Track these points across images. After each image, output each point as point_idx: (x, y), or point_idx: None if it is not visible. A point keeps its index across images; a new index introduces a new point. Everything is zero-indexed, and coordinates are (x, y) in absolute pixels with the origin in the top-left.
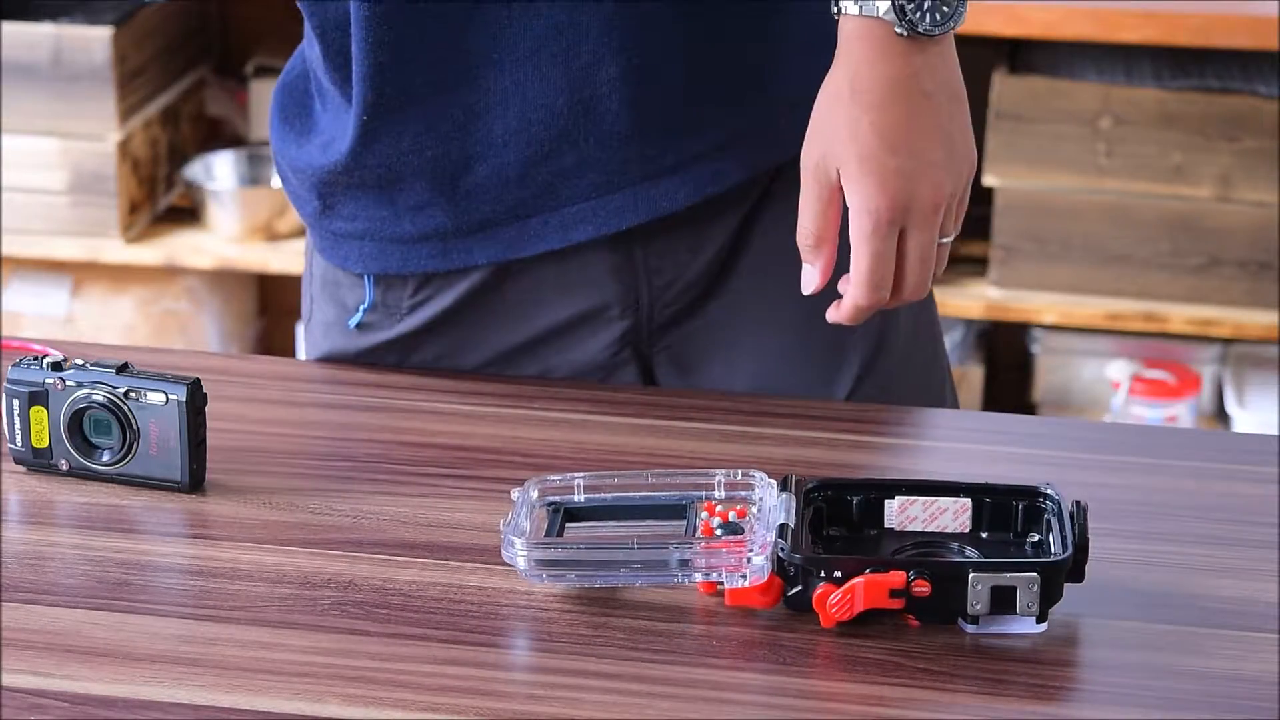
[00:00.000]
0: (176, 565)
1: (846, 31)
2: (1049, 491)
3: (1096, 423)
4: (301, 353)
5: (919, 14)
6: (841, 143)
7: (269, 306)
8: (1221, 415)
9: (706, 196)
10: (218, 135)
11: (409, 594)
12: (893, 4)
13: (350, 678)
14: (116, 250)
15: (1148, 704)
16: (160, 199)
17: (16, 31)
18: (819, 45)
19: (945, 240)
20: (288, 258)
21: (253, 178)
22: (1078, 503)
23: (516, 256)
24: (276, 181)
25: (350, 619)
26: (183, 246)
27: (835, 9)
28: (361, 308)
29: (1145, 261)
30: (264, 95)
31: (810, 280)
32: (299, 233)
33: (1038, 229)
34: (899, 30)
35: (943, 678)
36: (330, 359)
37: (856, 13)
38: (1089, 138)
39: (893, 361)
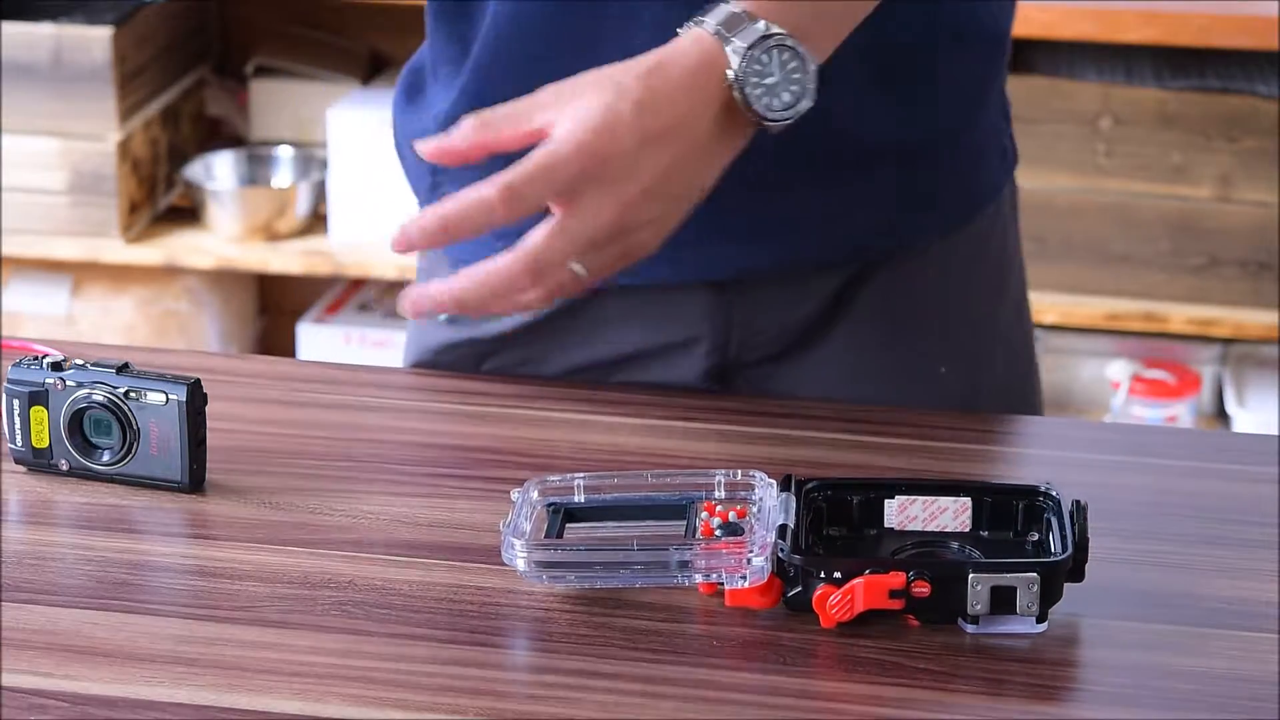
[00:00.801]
0: (176, 565)
1: (684, 41)
2: (1049, 491)
3: (1096, 423)
4: (301, 352)
5: (761, 90)
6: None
7: (269, 306)
8: (1221, 415)
9: (812, 262)
10: (218, 135)
11: (409, 594)
12: (740, 56)
13: (350, 678)
14: (116, 250)
15: (1148, 704)
16: (160, 199)
17: (16, 31)
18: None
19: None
20: (288, 258)
21: (253, 178)
22: (1078, 502)
23: (616, 281)
24: (276, 181)
25: (350, 619)
26: (183, 246)
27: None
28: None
29: (1145, 261)
30: (264, 95)
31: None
32: (299, 233)
33: (1037, 229)
34: (731, 86)
35: (943, 678)
36: (418, 356)
37: (707, 32)
38: (1089, 138)
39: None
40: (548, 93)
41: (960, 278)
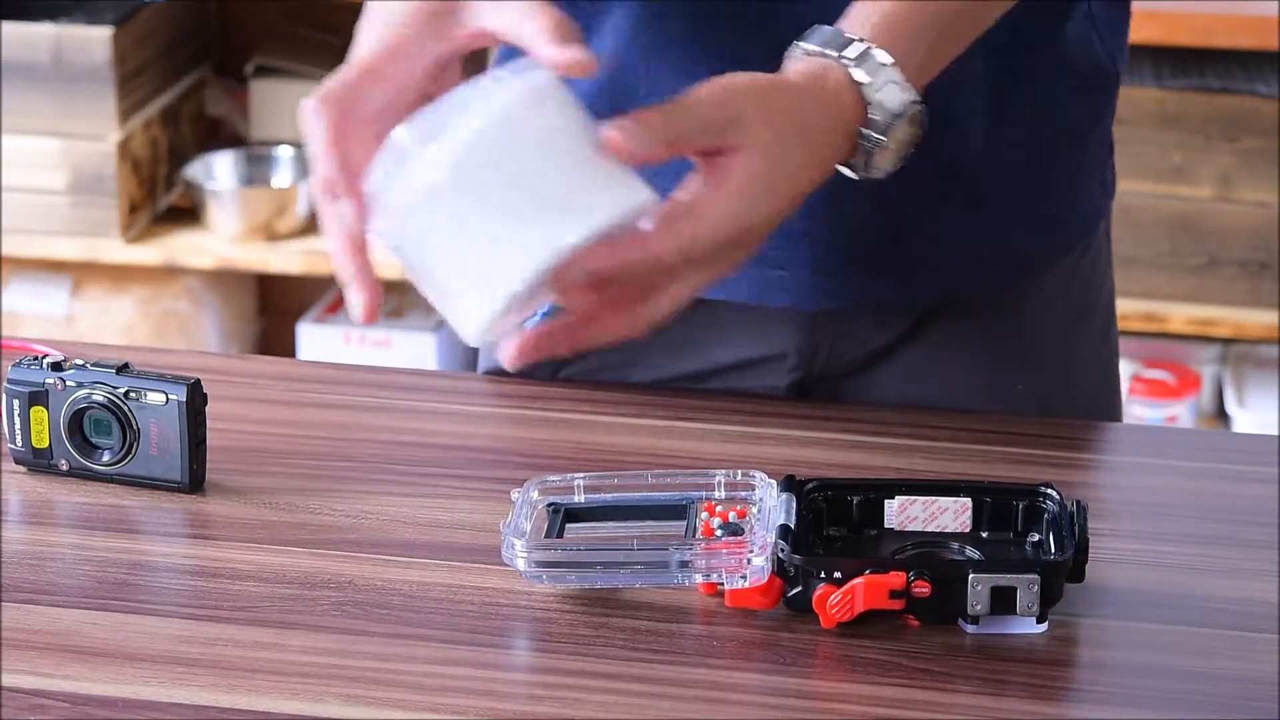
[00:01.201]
0: (176, 565)
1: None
2: (1049, 491)
3: (1096, 423)
4: (301, 352)
5: (885, 155)
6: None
7: (269, 306)
8: (1221, 415)
9: (909, 297)
10: (218, 135)
11: (409, 594)
12: (886, 145)
13: (350, 678)
14: (116, 250)
15: (1148, 704)
16: (160, 199)
17: (16, 31)
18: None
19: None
20: (288, 258)
21: (252, 178)
22: (1078, 502)
23: (705, 295)
24: (276, 181)
25: (350, 619)
26: (183, 246)
27: (810, 48)
28: (540, 311)
29: (1145, 261)
30: (264, 95)
31: None
32: (299, 233)
33: None
34: (860, 146)
35: (943, 678)
36: (494, 363)
37: (838, 69)
38: None
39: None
40: (744, 132)
41: (1046, 300)
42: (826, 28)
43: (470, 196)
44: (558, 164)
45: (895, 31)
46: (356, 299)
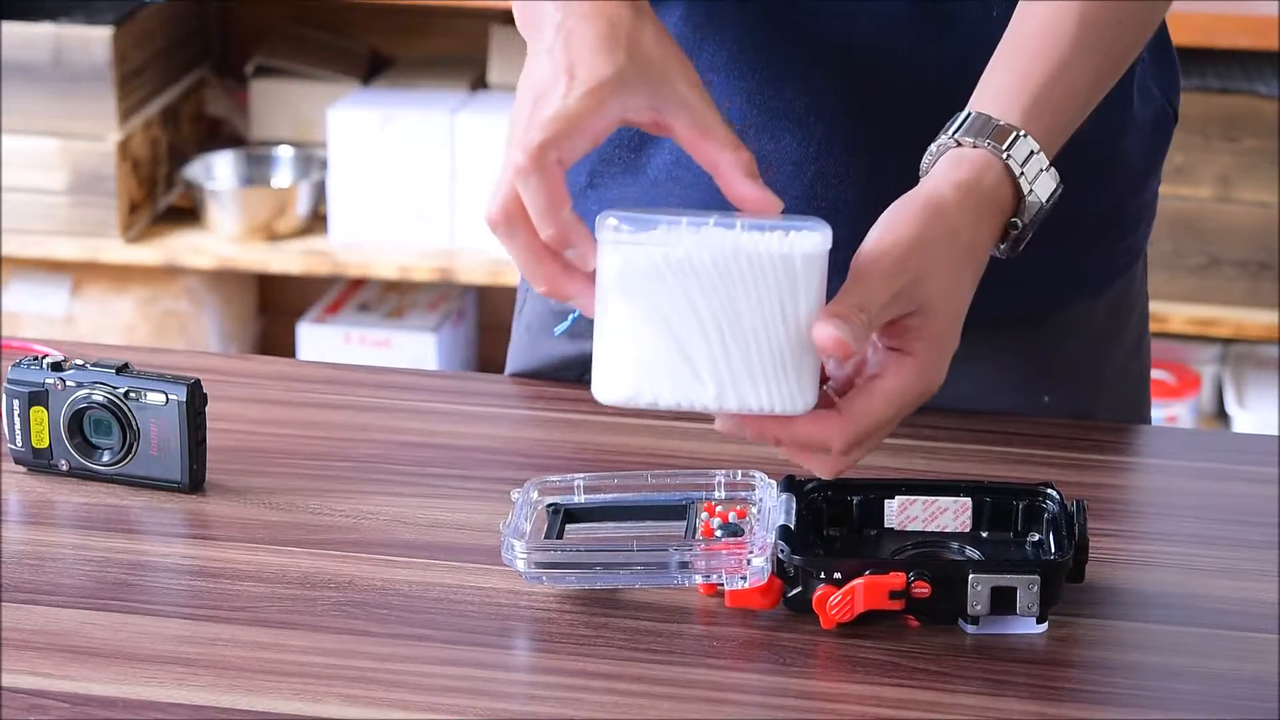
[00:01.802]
0: (176, 565)
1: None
2: (1049, 491)
3: (1097, 423)
4: (301, 352)
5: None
6: (952, 297)
7: (269, 306)
8: (1221, 415)
9: None
10: (218, 135)
11: (409, 594)
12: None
13: (350, 678)
14: (116, 250)
15: (1148, 704)
16: (160, 199)
17: (16, 31)
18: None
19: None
20: (288, 258)
21: (252, 178)
22: (1078, 502)
23: None
24: (276, 181)
25: (350, 619)
26: (183, 246)
27: (960, 137)
28: (572, 316)
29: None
30: (264, 95)
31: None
32: (299, 233)
33: None
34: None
35: (943, 678)
36: (522, 367)
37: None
38: None
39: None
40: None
41: (1077, 317)
42: (976, 115)
43: (703, 295)
44: (777, 325)
45: (1043, 114)
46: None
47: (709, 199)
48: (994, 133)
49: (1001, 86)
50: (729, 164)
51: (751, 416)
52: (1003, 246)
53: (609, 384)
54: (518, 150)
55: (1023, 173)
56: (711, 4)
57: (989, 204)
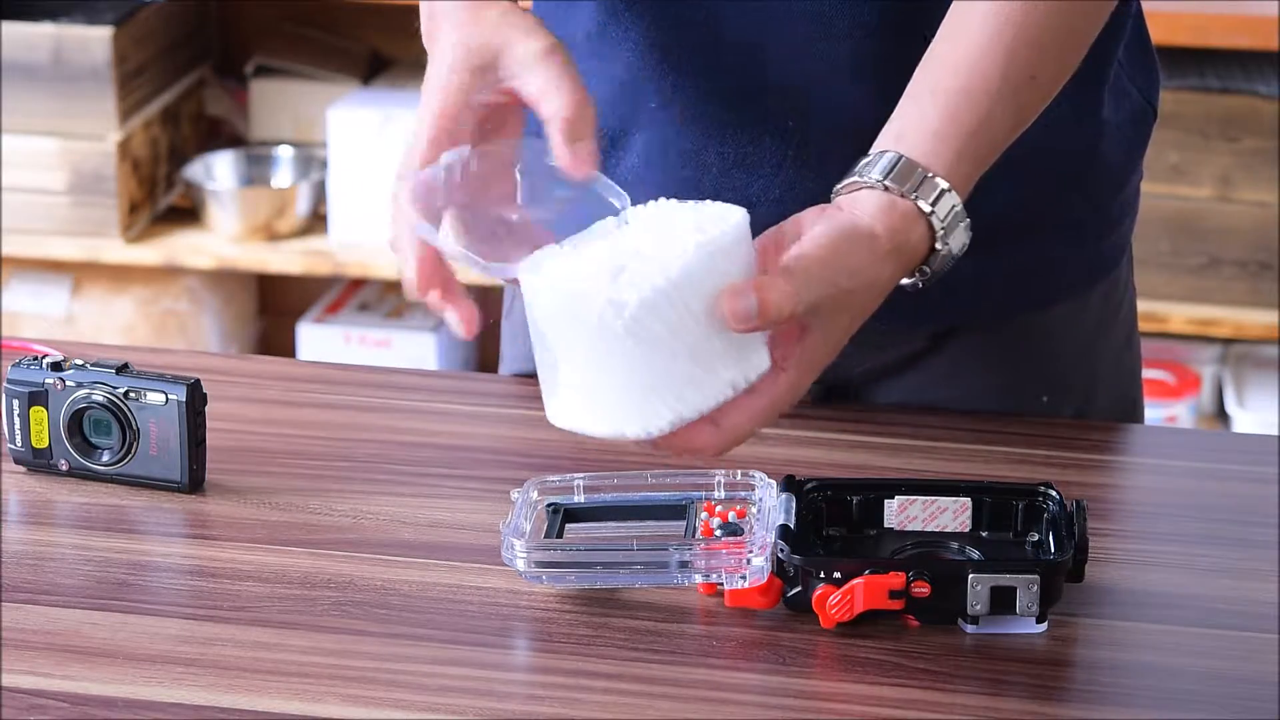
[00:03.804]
0: (176, 565)
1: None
2: (1049, 491)
3: (1097, 423)
4: (301, 352)
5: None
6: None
7: (269, 306)
8: (1221, 415)
9: (934, 323)
10: (218, 135)
11: (409, 594)
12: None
13: (350, 678)
14: (116, 250)
15: (1148, 704)
16: (160, 199)
17: (16, 31)
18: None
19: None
20: (288, 258)
21: (252, 178)
22: (1078, 502)
23: None
24: (276, 181)
25: (350, 619)
26: (183, 246)
27: (869, 178)
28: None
29: (1145, 261)
30: (264, 95)
31: None
32: (299, 233)
33: None
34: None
35: (943, 678)
36: (520, 368)
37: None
38: None
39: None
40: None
41: (1068, 315)
42: (905, 162)
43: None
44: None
45: (967, 162)
46: (452, 317)
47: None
48: (921, 185)
49: (928, 126)
50: (550, 114)
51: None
52: (905, 282)
53: (554, 412)
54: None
55: (943, 229)
56: (681, 10)
57: (909, 257)
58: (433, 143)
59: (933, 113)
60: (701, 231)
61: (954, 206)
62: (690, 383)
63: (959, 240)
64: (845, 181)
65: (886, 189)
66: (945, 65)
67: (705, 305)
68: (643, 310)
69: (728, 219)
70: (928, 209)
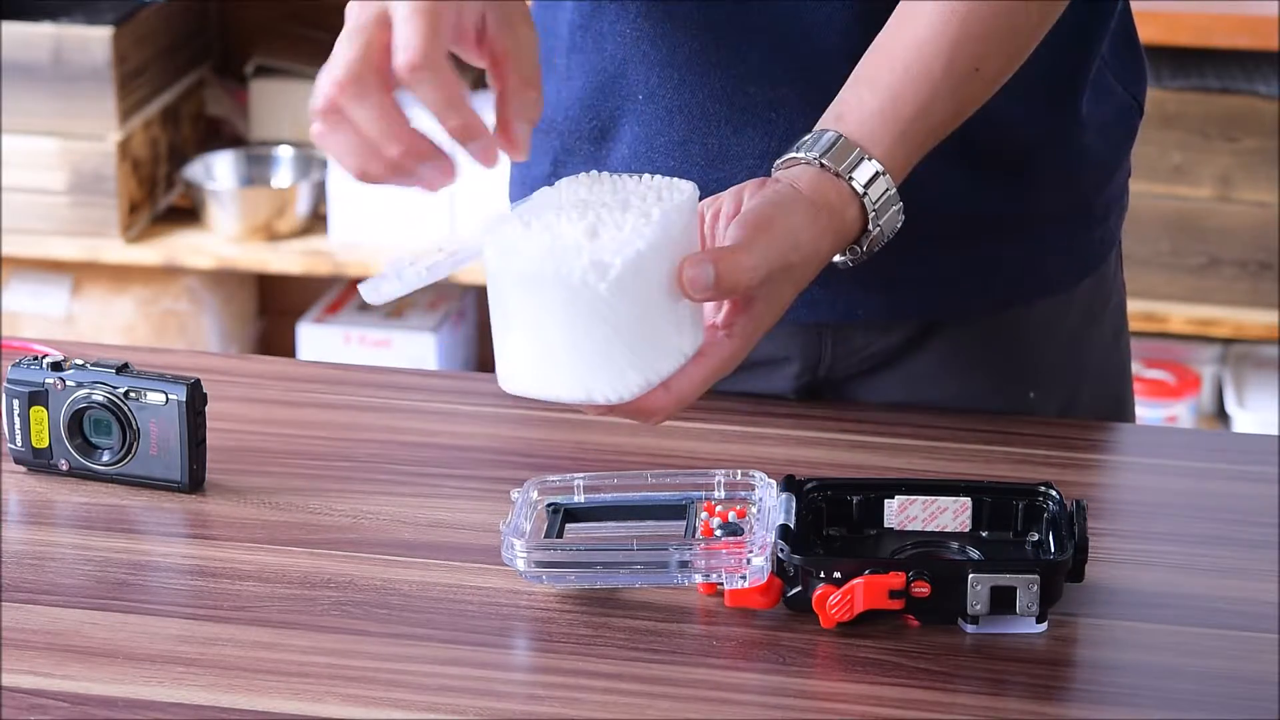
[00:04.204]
0: (176, 565)
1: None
2: (1049, 491)
3: (1097, 423)
4: (301, 352)
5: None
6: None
7: (269, 306)
8: (1221, 415)
9: (917, 315)
10: (218, 135)
11: (409, 594)
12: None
13: (350, 678)
14: (116, 250)
15: (1148, 704)
16: (160, 199)
17: (16, 31)
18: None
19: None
20: (288, 258)
21: (253, 178)
22: (1078, 502)
23: None
24: (276, 181)
25: (350, 619)
26: (183, 246)
27: (809, 156)
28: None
29: (1145, 261)
30: (264, 95)
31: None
32: (299, 233)
33: None
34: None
35: (943, 678)
36: None
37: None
38: None
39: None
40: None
41: (1053, 310)
42: (844, 142)
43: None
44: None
45: (905, 148)
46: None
47: None
48: (857, 166)
49: (867, 108)
50: (513, 100)
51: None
52: (837, 259)
53: (509, 376)
54: (403, 54)
55: (874, 210)
56: (673, 2)
57: (844, 235)
58: (433, 35)
59: (872, 98)
60: (663, 200)
61: (887, 190)
62: (655, 347)
63: (890, 223)
64: (785, 157)
65: (823, 166)
66: (888, 54)
67: (670, 271)
68: (627, 272)
69: (682, 188)
70: (861, 190)
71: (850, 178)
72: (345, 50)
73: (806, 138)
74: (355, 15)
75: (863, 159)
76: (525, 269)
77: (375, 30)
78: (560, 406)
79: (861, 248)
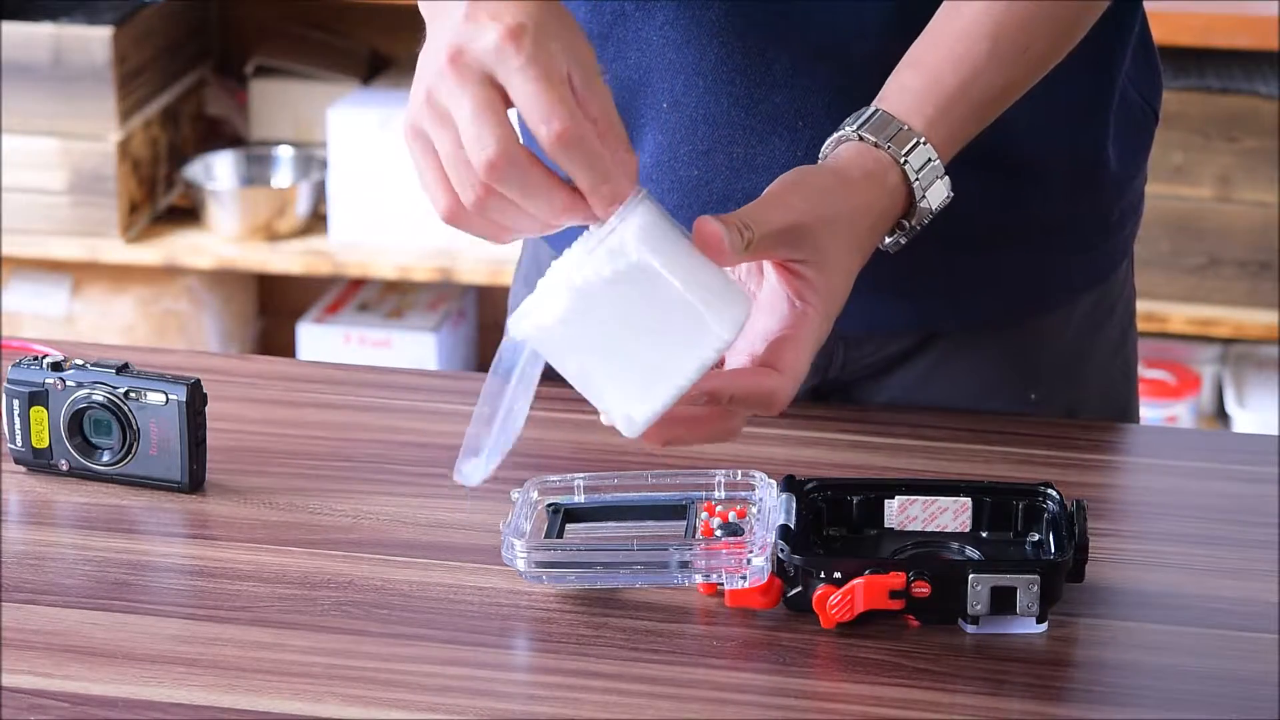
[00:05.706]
0: (176, 565)
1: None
2: (1049, 491)
3: (1097, 423)
4: (301, 352)
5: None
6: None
7: (269, 306)
8: (1221, 415)
9: (932, 323)
10: (218, 135)
11: (409, 594)
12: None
13: (350, 678)
14: (116, 250)
15: (1148, 704)
16: (160, 199)
17: (16, 31)
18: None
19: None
20: (288, 258)
21: (252, 178)
22: (1078, 502)
23: None
24: (276, 181)
25: (350, 619)
26: (183, 246)
27: (861, 135)
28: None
29: (1145, 261)
30: (264, 95)
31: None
32: (299, 233)
33: None
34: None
35: (943, 678)
36: None
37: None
38: None
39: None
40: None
41: (1060, 317)
42: (881, 114)
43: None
44: (683, 278)
45: (947, 122)
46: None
47: (687, 200)
48: (895, 135)
49: (909, 87)
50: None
51: (706, 378)
52: (888, 240)
53: (630, 414)
54: (551, 124)
55: (918, 179)
56: (698, 9)
57: (888, 201)
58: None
59: (914, 77)
60: (629, 205)
61: (930, 160)
62: (714, 292)
63: (937, 194)
64: (829, 140)
65: (861, 139)
66: (932, 43)
67: (682, 246)
68: (642, 234)
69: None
70: (901, 159)
71: (889, 147)
72: (478, 128)
73: (848, 118)
74: (446, 74)
75: (901, 128)
76: (565, 308)
77: (492, 90)
78: (560, 406)
79: (910, 223)
